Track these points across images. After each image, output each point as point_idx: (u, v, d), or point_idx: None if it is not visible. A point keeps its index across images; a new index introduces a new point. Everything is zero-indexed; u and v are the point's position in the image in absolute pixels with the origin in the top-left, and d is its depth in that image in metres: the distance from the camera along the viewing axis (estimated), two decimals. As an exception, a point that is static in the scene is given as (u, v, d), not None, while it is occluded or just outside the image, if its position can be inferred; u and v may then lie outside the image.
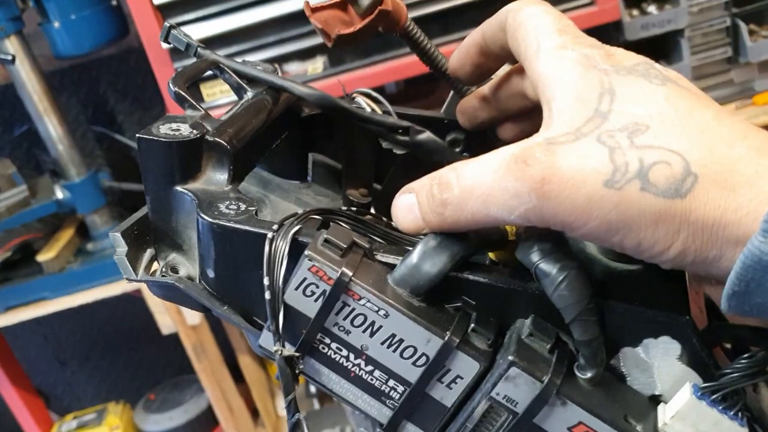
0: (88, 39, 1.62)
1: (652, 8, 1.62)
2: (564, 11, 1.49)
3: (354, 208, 0.49)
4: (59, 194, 1.74)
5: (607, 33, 1.61)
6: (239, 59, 0.52)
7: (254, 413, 2.15)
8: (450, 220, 0.35)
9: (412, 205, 0.37)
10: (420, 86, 1.72)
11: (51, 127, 1.70)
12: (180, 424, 2.15)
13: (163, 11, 1.47)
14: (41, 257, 1.73)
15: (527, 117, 0.48)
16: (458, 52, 0.46)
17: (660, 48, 1.68)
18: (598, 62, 0.36)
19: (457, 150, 0.54)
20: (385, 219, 0.55)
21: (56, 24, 1.58)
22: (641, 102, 0.34)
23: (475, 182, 0.34)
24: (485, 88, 0.49)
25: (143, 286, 1.67)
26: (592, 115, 0.34)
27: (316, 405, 2.22)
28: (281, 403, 2.29)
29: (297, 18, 1.47)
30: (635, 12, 1.62)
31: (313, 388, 2.19)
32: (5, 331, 1.95)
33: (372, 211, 0.58)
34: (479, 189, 0.34)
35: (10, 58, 1.53)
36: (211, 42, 1.48)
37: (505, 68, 0.47)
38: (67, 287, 1.73)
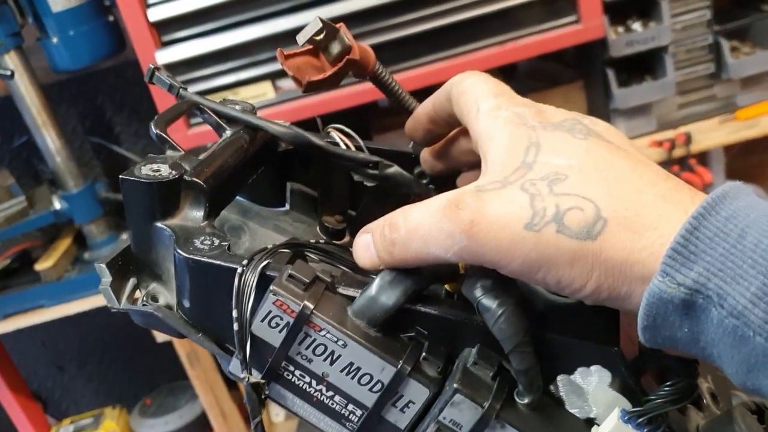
0: (85, 54, 1.66)
1: (636, 26, 1.66)
2: (549, 30, 1.53)
3: (323, 240, 0.52)
4: (57, 204, 1.78)
5: (593, 50, 1.65)
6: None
7: (247, 419, 2.17)
8: (398, 257, 0.40)
9: (368, 243, 0.42)
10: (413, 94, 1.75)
11: (49, 139, 1.74)
12: (175, 429, 2.18)
13: (159, 28, 1.51)
14: (39, 266, 1.76)
15: (478, 168, 0.52)
16: (412, 120, 0.52)
17: (645, 64, 1.71)
18: (528, 120, 0.40)
19: (424, 182, 0.58)
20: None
21: (55, 39, 1.62)
22: (563, 153, 0.38)
23: (418, 224, 0.39)
24: (440, 146, 0.54)
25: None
26: (518, 166, 0.38)
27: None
28: (274, 410, 2.32)
29: (291, 35, 1.50)
30: (620, 29, 1.66)
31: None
32: (3, 338, 1.98)
33: (347, 236, 0.61)
34: (421, 230, 0.38)
35: (9, 73, 1.57)
36: (206, 59, 1.52)
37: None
38: (65, 295, 1.77)
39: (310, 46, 0.52)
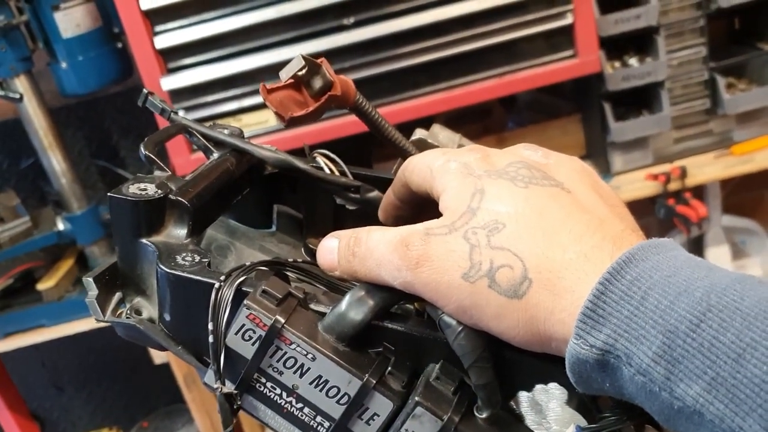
0: (93, 79, 1.70)
1: (633, 61, 1.69)
2: (547, 63, 1.56)
3: (300, 260, 0.54)
4: (61, 225, 1.81)
5: (590, 84, 1.68)
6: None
7: (244, 444, 2.18)
8: (354, 269, 0.43)
9: (333, 248, 0.45)
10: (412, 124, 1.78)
11: (55, 161, 1.77)
12: (171, 453, 2.19)
13: (165, 55, 1.55)
14: (41, 286, 1.79)
15: None
16: (382, 210, 0.55)
17: (641, 98, 1.74)
18: (474, 169, 0.43)
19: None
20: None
21: (64, 65, 1.66)
22: (504, 201, 0.41)
23: (375, 247, 0.42)
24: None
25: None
26: (464, 211, 0.41)
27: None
28: (271, 435, 2.33)
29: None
30: (617, 64, 1.69)
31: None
32: (4, 357, 2.00)
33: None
34: (376, 253, 0.42)
35: (18, 96, 1.61)
36: (211, 86, 1.55)
37: None
38: (65, 315, 1.79)
39: (292, 81, 0.54)
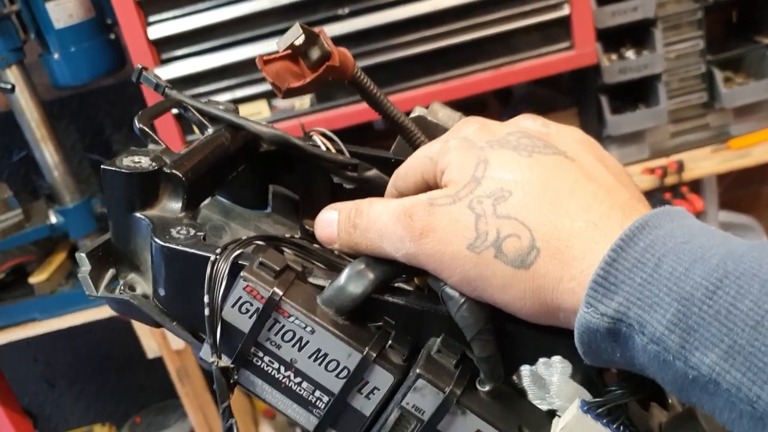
0: (86, 70, 1.68)
1: (629, 53, 1.68)
2: (543, 55, 1.55)
3: (298, 236, 0.53)
4: (53, 219, 1.79)
5: (587, 77, 1.67)
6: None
7: (238, 440, 2.17)
8: (354, 241, 0.42)
9: (332, 220, 0.44)
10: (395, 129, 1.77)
11: (47, 154, 1.76)
12: (164, 449, 2.17)
13: (158, 46, 1.54)
14: (33, 279, 1.77)
15: None
16: None
17: (638, 92, 1.74)
18: (475, 141, 0.42)
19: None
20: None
21: (56, 55, 1.64)
22: (509, 169, 0.40)
23: (377, 219, 0.41)
24: None
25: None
26: (468, 180, 0.40)
27: (300, 433, 2.24)
28: (264, 431, 2.31)
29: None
30: (613, 56, 1.69)
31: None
32: (-5, 352, 1.99)
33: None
34: (379, 224, 0.41)
35: (9, 87, 1.59)
36: (204, 77, 1.54)
37: None
38: (57, 309, 1.77)
39: (289, 52, 0.53)
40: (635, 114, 1.70)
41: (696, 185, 1.88)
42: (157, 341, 1.76)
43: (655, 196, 1.75)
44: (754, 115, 1.76)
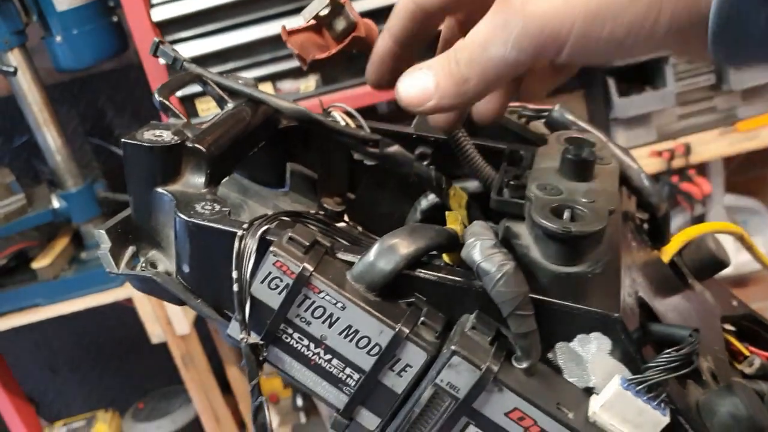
0: (88, 53, 1.66)
1: (637, 36, 1.66)
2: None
3: (322, 213, 0.52)
4: (55, 203, 1.78)
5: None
6: (225, 74, 0.56)
7: (241, 425, 2.17)
8: (463, 75, 0.38)
9: (423, 73, 0.40)
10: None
11: (50, 138, 1.74)
12: (167, 434, 2.17)
13: (162, 28, 1.52)
14: (36, 264, 1.76)
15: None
16: (373, 67, 0.49)
17: (645, 74, 1.72)
18: None
19: (425, 163, 0.58)
20: (358, 228, 0.59)
21: (58, 38, 1.62)
22: None
23: (476, 34, 0.38)
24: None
25: (134, 295, 1.70)
26: None
27: (303, 419, 2.24)
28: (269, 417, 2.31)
29: (292, 37, 1.51)
30: (621, 39, 1.67)
31: (300, 402, 2.21)
32: (-1, 338, 1.98)
33: (346, 218, 0.61)
34: (479, 37, 0.38)
35: (12, 70, 1.57)
36: (208, 59, 1.52)
37: None
38: (60, 294, 1.76)
39: (314, 22, 0.52)
40: (642, 96, 1.69)
41: (703, 168, 1.87)
42: (161, 326, 1.75)
43: (662, 179, 1.74)
44: (763, 97, 1.74)
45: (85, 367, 2.49)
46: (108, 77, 2.07)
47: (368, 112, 1.72)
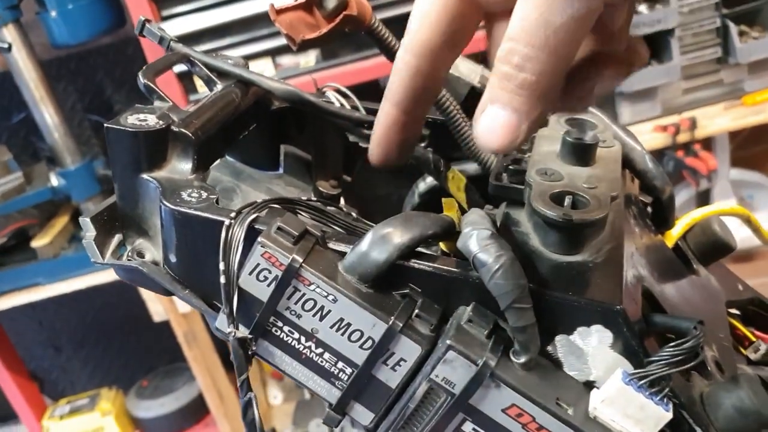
0: (84, 28, 1.64)
1: (642, 8, 1.64)
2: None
3: (314, 198, 0.51)
4: (54, 181, 1.77)
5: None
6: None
7: (245, 401, 2.17)
8: (535, 74, 0.33)
9: (497, 111, 0.34)
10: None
11: (47, 115, 1.72)
12: (171, 411, 2.18)
13: (158, 3, 1.49)
14: (36, 243, 1.75)
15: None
16: (378, 141, 0.42)
17: (650, 47, 1.69)
18: None
19: (422, 146, 0.56)
20: (353, 213, 0.57)
21: (53, 13, 1.60)
22: None
23: (525, 17, 0.32)
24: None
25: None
26: None
27: (307, 395, 2.25)
28: (272, 392, 2.32)
29: (290, 11, 1.48)
30: (626, 11, 1.64)
31: (303, 378, 2.21)
32: (1, 317, 1.97)
33: (342, 201, 0.60)
34: (531, 15, 0.32)
35: (6, 46, 1.55)
36: (205, 34, 1.50)
37: None
38: (61, 273, 1.76)
39: (304, 1, 0.50)
40: (647, 70, 1.66)
41: (708, 143, 1.84)
42: (163, 305, 1.75)
43: (667, 154, 1.72)
44: (770, 70, 1.72)
45: (88, 345, 2.49)
46: (105, 52, 2.04)
47: (370, 87, 1.70)
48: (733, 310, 0.57)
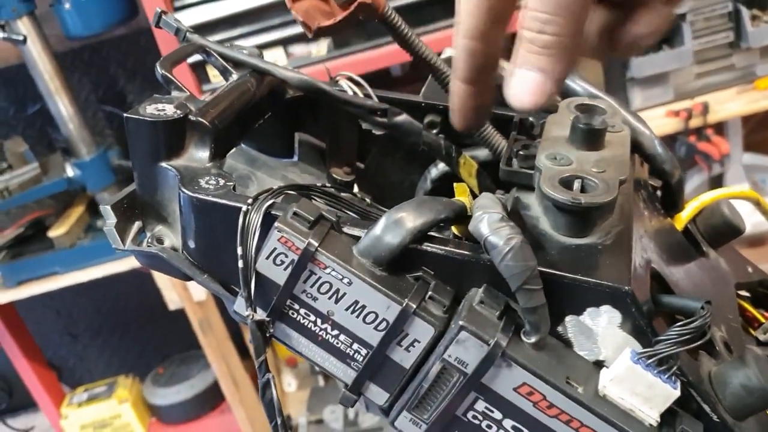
0: (98, 19, 1.65)
1: (654, -7, 1.63)
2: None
3: (329, 185, 0.52)
4: (70, 172, 1.78)
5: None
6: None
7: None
8: (556, 34, 0.37)
9: (525, 73, 0.39)
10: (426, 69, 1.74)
11: (62, 106, 1.74)
12: (187, 398, 2.20)
13: (171, -7, 1.50)
14: (52, 233, 1.77)
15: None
16: (458, 111, 0.46)
17: (662, 32, 1.69)
18: None
19: (434, 132, 0.57)
20: (366, 199, 0.59)
21: (67, 5, 1.61)
22: None
23: None
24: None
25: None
26: None
27: (321, 382, 2.27)
28: (286, 380, 2.34)
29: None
30: (637, -4, 1.63)
31: (317, 365, 2.23)
32: (19, 306, 2.00)
33: (356, 188, 0.61)
34: None
35: (21, 38, 1.57)
36: (218, 24, 1.51)
37: None
38: (78, 262, 1.78)
39: (319, -12, 0.51)
40: (659, 55, 1.66)
41: (720, 127, 1.84)
42: (178, 293, 1.77)
43: (679, 139, 1.72)
44: (782, 54, 1.71)
45: (105, 333, 2.52)
46: (119, 43, 2.06)
47: (382, 75, 1.70)
48: (743, 292, 0.58)
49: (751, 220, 0.59)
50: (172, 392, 2.22)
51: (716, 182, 1.93)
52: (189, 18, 1.50)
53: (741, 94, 1.71)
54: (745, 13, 1.64)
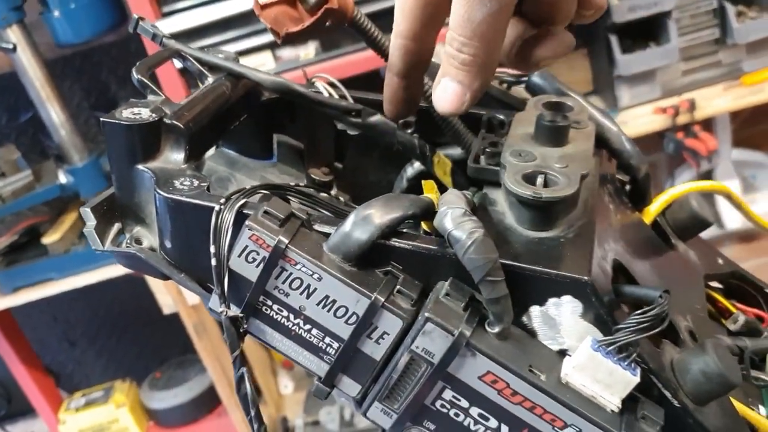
0: (87, 27, 1.66)
1: (639, -9, 1.64)
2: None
3: (303, 184, 0.53)
4: (63, 178, 1.79)
5: (595, 15, 1.64)
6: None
7: (256, 391, 2.20)
8: (472, 53, 0.41)
9: (446, 83, 0.43)
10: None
11: (53, 113, 1.75)
12: (184, 402, 2.21)
13: (159, -1, 1.51)
14: (46, 239, 1.78)
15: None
16: (389, 101, 0.51)
17: (648, 29, 1.70)
18: None
19: (408, 132, 0.58)
20: (341, 198, 0.60)
21: (56, 13, 1.62)
22: None
23: (457, 11, 0.40)
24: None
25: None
26: None
27: (318, 383, 2.27)
28: (283, 381, 2.35)
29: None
30: (623, -6, 1.65)
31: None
32: (16, 313, 2.01)
33: (334, 188, 0.62)
34: (461, 9, 0.40)
35: (11, 47, 1.58)
36: (206, 29, 1.52)
37: None
38: (72, 268, 1.79)
39: (286, -5, 0.52)
40: (646, 53, 1.67)
41: (708, 124, 1.85)
42: (172, 297, 1.78)
43: (667, 136, 1.73)
44: (768, 50, 1.72)
45: (102, 338, 2.53)
46: (109, 50, 2.07)
47: (371, 77, 1.71)
48: (716, 284, 0.59)
49: (740, 216, 0.60)
50: (169, 396, 2.22)
51: (705, 178, 1.94)
52: (178, 24, 1.51)
53: (728, 90, 1.72)
54: (731, 9, 1.65)
